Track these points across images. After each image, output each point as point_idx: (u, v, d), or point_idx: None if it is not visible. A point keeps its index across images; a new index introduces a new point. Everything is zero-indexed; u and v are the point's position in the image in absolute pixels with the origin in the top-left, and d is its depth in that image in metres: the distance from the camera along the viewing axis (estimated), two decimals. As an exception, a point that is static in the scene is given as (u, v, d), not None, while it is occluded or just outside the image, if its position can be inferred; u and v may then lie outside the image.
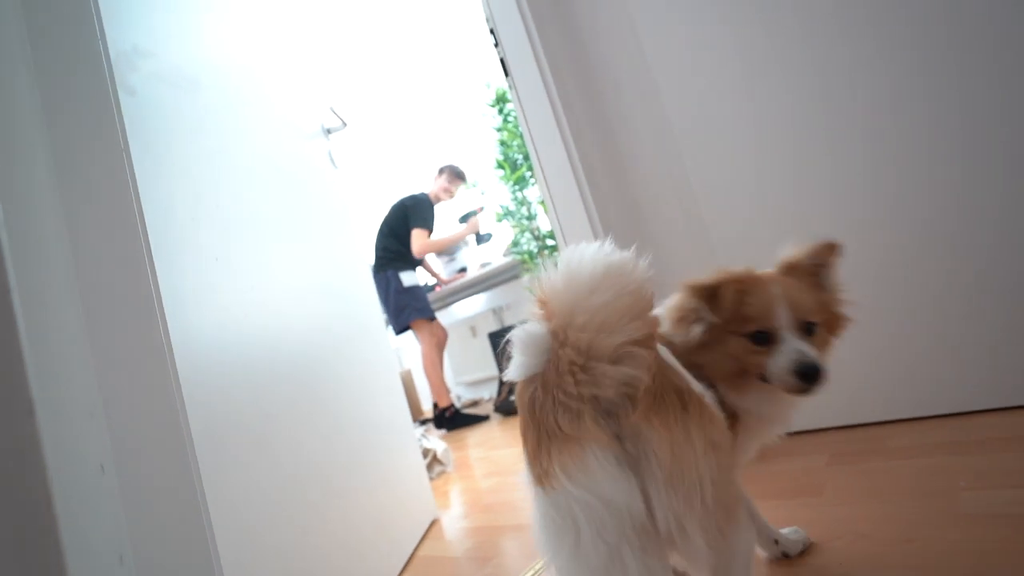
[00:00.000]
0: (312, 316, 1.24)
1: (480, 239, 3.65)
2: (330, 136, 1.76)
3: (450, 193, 3.39)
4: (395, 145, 4.66)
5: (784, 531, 0.78)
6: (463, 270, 4.02)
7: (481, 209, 3.57)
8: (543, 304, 0.54)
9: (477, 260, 4.10)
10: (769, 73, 1.24)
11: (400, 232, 3.16)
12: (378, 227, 3.30)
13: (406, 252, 3.19)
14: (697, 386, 0.54)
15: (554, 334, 0.52)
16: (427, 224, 3.18)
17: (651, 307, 0.52)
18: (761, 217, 1.28)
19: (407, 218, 3.18)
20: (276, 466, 0.94)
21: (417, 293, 3.16)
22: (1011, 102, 1.01)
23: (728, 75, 1.30)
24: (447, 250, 3.43)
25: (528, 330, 0.54)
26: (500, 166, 3.41)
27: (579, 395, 0.50)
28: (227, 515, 0.76)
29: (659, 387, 0.51)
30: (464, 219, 3.47)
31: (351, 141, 4.16)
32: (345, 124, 1.77)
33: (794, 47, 1.21)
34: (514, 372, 0.55)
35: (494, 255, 4.06)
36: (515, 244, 3.48)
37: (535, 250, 3.34)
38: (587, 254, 0.52)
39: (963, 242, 1.08)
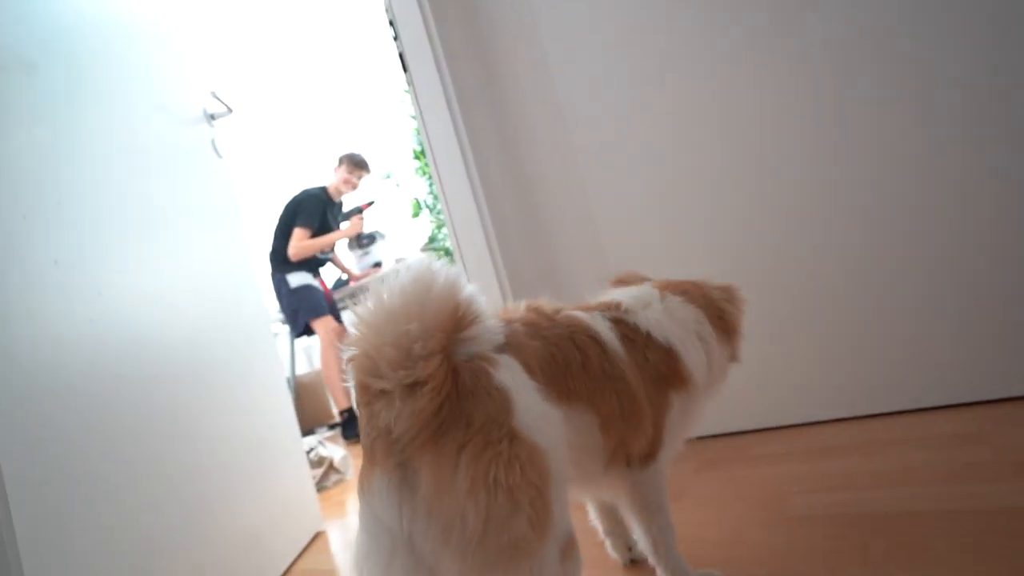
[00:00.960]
0: (180, 322, 1.21)
1: (363, 240, 3.49)
2: (214, 123, 1.70)
3: (352, 184, 3.33)
4: (299, 133, 4.50)
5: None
6: (378, 264, 3.98)
7: (369, 204, 3.48)
8: (353, 335, 0.55)
9: (393, 255, 4.07)
10: (670, 71, 1.30)
11: (289, 232, 3.15)
12: (275, 228, 3.23)
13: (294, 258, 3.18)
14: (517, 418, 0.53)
15: (358, 361, 0.54)
16: (310, 222, 3.16)
17: (432, 349, 0.51)
18: (653, 218, 1.38)
19: (295, 216, 3.15)
20: (119, 489, 0.93)
21: (306, 293, 3.15)
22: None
23: (628, 73, 1.37)
24: (328, 250, 3.36)
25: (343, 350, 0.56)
26: (417, 156, 3.40)
27: (372, 427, 0.53)
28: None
29: (448, 417, 0.52)
30: (346, 217, 3.41)
31: (245, 129, 3.98)
32: (231, 110, 1.72)
33: (696, 47, 1.28)
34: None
35: (411, 250, 4.04)
36: (432, 240, 3.49)
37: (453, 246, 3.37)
38: (390, 287, 0.53)
39: (809, 261, 1.23)
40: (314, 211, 3.20)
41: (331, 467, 2.10)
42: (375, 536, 0.53)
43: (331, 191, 3.28)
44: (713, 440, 1.34)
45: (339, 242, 3.37)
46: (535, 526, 0.51)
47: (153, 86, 1.41)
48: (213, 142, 1.66)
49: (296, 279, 3.14)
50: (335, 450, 2.18)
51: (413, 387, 0.50)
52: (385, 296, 0.53)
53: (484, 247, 1.51)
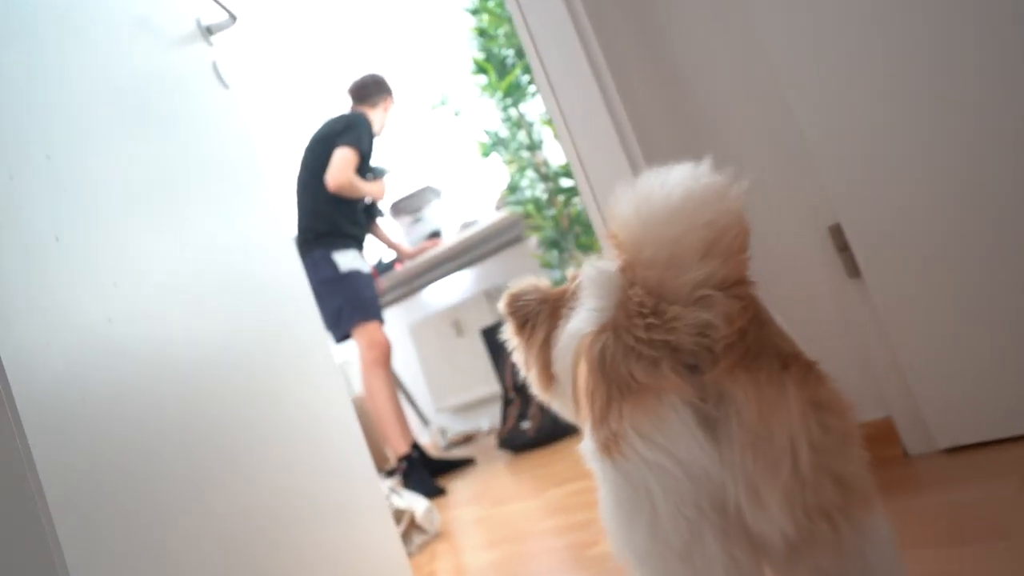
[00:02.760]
0: (212, 322, 1.25)
1: (374, 211, 3.58)
2: (213, 39, 1.73)
3: (384, 125, 3.41)
4: (316, 46, 4.61)
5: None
6: (435, 234, 4.01)
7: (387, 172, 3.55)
8: (613, 237, 0.65)
9: (456, 218, 4.09)
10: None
11: (323, 173, 3.14)
12: (296, 179, 3.28)
13: (340, 216, 3.18)
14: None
15: (623, 271, 0.64)
16: (358, 143, 3.14)
17: (741, 246, 0.61)
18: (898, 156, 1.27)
19: (339, 137, 3.14)
20: (162, 549, 0.95)
21: (357, 283, 3.16)
22: None
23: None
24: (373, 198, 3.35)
25: (599, 267, 0.67)
26: (480, 69, 3.38)
27: (651, 341, 0.61)
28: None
29: (754, 341, 0.60)
30: (375, 175, 3.42)
31: (249, 45, 4.10)
32: (233, 17, 1.75)
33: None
34: (586, 320, 0.67)
35: (483, 210, 4.04)
36: (513, 189, 3.46)
37: (544, 196, 3.32)
38: (669, 178, 0.61)
39: None
40: (366, 135, 3.22)
41: (412, 524, 2.12)
42: (666, 488, 0.59)
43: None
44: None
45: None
46: (865, 474, 0.60)
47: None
48: (215, 66, 1.69)
49: (346, 259, 3.15)
50: (414, 500, 2.21)
51: (725, 287, 0.60)
52: (664, 189, 0.60)
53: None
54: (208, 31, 1.71)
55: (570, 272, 1.22)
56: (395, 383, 3.43)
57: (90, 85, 1.19)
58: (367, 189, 3.22)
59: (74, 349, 0.90)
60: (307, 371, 1.50)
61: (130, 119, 1.27)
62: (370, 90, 3.38)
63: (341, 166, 3.07)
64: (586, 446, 0.67)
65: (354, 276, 3.16)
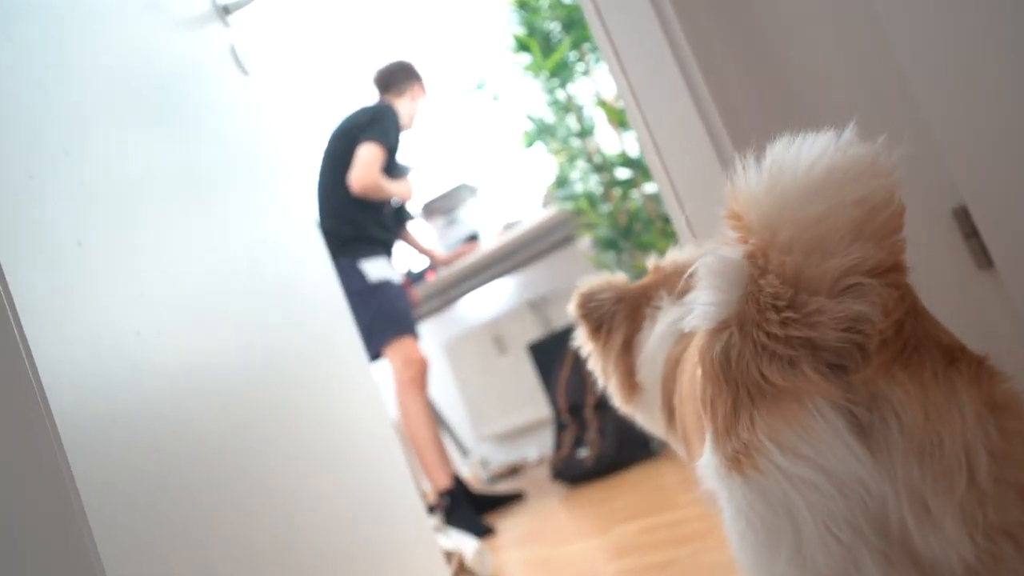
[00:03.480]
0: (242, 337, 1.28)
1: (404, 214, 3.64)
2: (230, 19, 1.78)
3: (413, 116, 3.45)
4: (341, 25, 4.68)
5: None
6: (473, 238, 4.04)
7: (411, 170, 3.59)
8: (736, 219, 0.63)
9: (496, 219, 4.11)
10: None
11: (346, 172, 3.18)
12: (317, 177, 3.34)
13: (367, 219, 3.23)
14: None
15: (752, 258, 0.62)
16: (385, 138, 3.18)
17: (897, 226, 0.60)
18: None
19: (364, 131, 3.18)
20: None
21: (389, 295, 3.21)
22: None
23: None
24: (399, 198, 3.41)
25: (720, 255, 0.64)
26: (522, 46, 3.39)
27: (788, 338, 0.60)
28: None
29: (911, 335, 0.59)
30: (399, 173, 3.46)
31: (269, 26, 4.18)
32: (253, -5, 1.79)
33: None
34: (703, 316, 0.66)
35: (527, 208, 4.05)
36: (561, 183, 3.47)
37: (598, 190, 3.32)
38: (807, 149, 0.60)
39: None
40: (393, 129, 3.26)
41: (462, 567, 2.13)
42: (814, 507, 0.57)
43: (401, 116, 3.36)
44: None
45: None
46: None
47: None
48: (233, 51, 1.74)
49: (376, 268, 3.18)
50: (463, 540, 2.22)
51: (879, 274, 0.58)
52: (804, 162, 0.59)
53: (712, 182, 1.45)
54: (225, 11, 1.76)
55: (651, 263, 1.22)
56: (432, 409, 3.45)
57: (102, 72, 1.23)
58: (395, 190, 3.26)
59: (103, 365, 0.94)
60: (343, 388, 1.53)
61: (146, 109, 1.32)
62: (397, 77, 3.43)
63: (366, 165, 3.10)
64: (707, 463, 0.66)
65: (385, 287, 3.19)
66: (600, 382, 1.20)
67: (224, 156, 1.51)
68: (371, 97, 3.48)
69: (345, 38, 4.68)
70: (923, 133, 1.33)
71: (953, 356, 0.59)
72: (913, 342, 0.59)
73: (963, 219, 1.31)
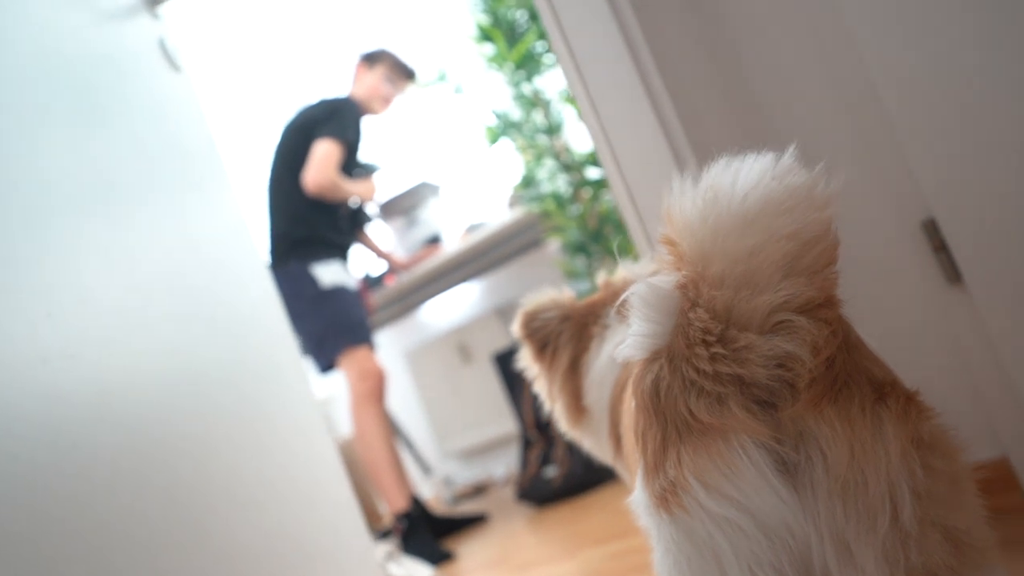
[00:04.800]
0: (168, 358, 1.26)
1: (361, 216, 3.63)
2: (159, 10, 1.76)
3: (387, 100, 3.42)
4: (286, 12, 4.65)
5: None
6: (434, 240, 4.03)
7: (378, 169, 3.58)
8: (671, 245, 0.65)
9: (458, 220, 4.11)
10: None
11: (300, 171, 3.16)
12: (268, 176, 3.31)
13: (321, 221, 3.22)
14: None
15: (683, 289, 0.64)
16: (343, 134, 3.16)
17: (830, 260, 0.61)
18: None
19: (320, 127, 3.16)
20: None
21: (343, 301, 3.20)
22: None
23: None
24: (358, 200, 3.40)
25: (652, 284, 0.66)
26: (485, 36, 3.39)
27: (716, 374, 0.61)
28: None
29: (842, 370, 0.61)
30: (362, 172, 3.45)
31: (204, 17, 4.13)
32: (185, -15, 1.77)
33: None
34: (635, 347, 0.67)
35: (492, 209, 4.05)
36: (528, 183, 3.47)
37: (566, 192, 3.33)
38: (743, 174, 0.61)
39: None
40: (352, 124, 3.24)
41: (415, 598, 2.13)
42: (738, 548, 0.59)
43: (357, 104, 3.34)
44: None
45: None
46: (981, 526, 0.61)
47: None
48: (163, 44, 1.72)
49: (329, 273, 3.17)
50: (415, 568, 2.21)
51: (810, 310, 0.60)
52: (739, 190, 0.60)
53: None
54: (154, 1, 1.74)
55: (600, 278, 1.23)
56: (390, 423, 3.44)
57: (11, 65, 1.21)
58: (354, 190, 3.24)
59: (1, 397, 0.92)
60: (284, 414, 1.51)
61: (62, 107, 1.29)
62: (383, 57, 3.41)
63: (322, 163, 3.08)
64: (637, 499, 0.67)
65: (339, 293, 3.17)
66: (546, 405, 1.20)
67: (150, 158, 1.48)
68: (323, 89, 3.46)
69: (292, 28, 4.64)
70: (893, 145, 1.35)
71: (883, 391, 0.61)
72: (843, 377, 0.61)
73: (932, 232, 1.33)
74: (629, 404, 0.92)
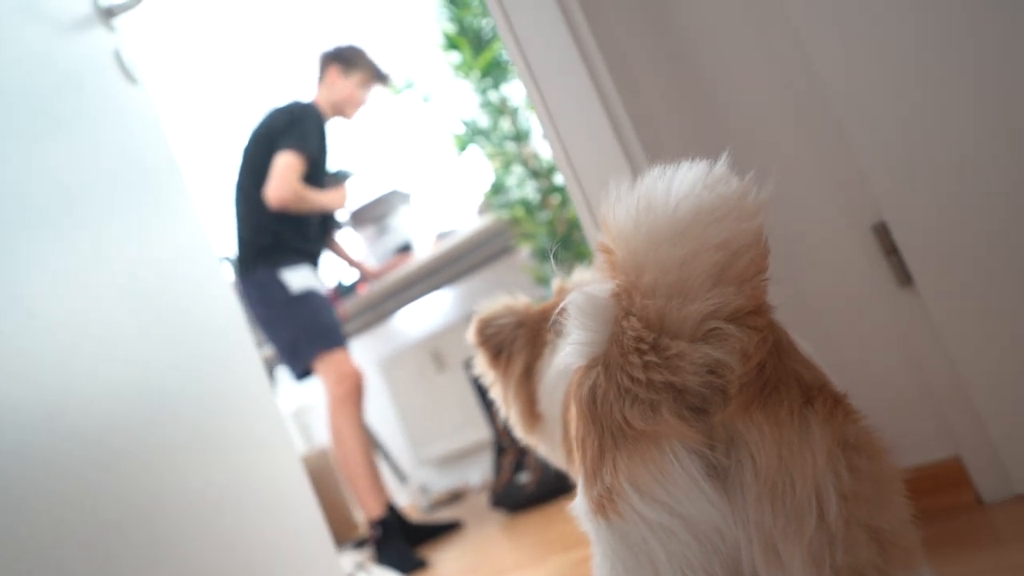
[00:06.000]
0: (127, 371, 1.26)
1: (331, 223, 3.61)
2: (115, 23, 1.75)
3: (357, 103, 3.41)
4: (247, 20, 4.63)
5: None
6: (406, 248, 4.03)
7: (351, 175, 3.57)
8: (608, 253, 0.66)
9: (429, 229, 4.11)
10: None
11: (265, 172, 3.12)
12: (234, 183, 3.29)
13: (288, 229, 3.19)
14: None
15: (617, 297, 0.66)
16: (304, 146, 3.12)
17: (759, 269, 0.63)
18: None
19: (282, 137, 3.13)
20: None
21: (314, 307, 3.17)
22: None
23: None
24: (324, 211, 3.34)
25: (587, 292, 0.68)
26: (452, 44, 3.40)
27: (649, 382, 0.63)
28: None
29: (772, 374, 0.62)
30: (334, 180, 3.42)
31: (163, 30, 4.10)
32: (138, -1, 1.77)
33: None
34: (573, 354, 0.69)
35: (462, 216, 4.05)
36: (497, 190, 3.48)
37: (535, 198, 3.34)
38: (676, 183, 0.63)
39: None
40: (314, 132, 3.22)
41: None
42: (671, 552, 0.60)
43: (321, 109, 3.31)
44: None
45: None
46: (907, 526, 0.62)
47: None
48: (119, 56, 1.71)
49: (298, 278, 3.14)
50: (386, 578, 2.20)
51: (739, 318, 0.62)
52: (671, 200, 0.61)
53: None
54: (109, 13, 1.73)
55: (555, 284, 1.23)
56: (367, 431, 3.43)
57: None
58: (320, 201, 3.22)
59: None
60: (245, 429, 1.51)
61: (16, 122, 1.29)
62: (348, 56, 3.39)
63: (283, 177, 3.05)
64: (578, 504, 0.69)
65: (309, 297, 3.15)
66: (502, 411, 1.21)
67: (108, 172, 1.48)
68: (288, 93, 3.43)
69: (253, 35, 4.61)
70: (844, 149, 1.37)
71: (810, 394, 0.63)
72: (773, 382, 0.63)
73: (883, 236, 1.35)
74: (573, 411, 0.94)
